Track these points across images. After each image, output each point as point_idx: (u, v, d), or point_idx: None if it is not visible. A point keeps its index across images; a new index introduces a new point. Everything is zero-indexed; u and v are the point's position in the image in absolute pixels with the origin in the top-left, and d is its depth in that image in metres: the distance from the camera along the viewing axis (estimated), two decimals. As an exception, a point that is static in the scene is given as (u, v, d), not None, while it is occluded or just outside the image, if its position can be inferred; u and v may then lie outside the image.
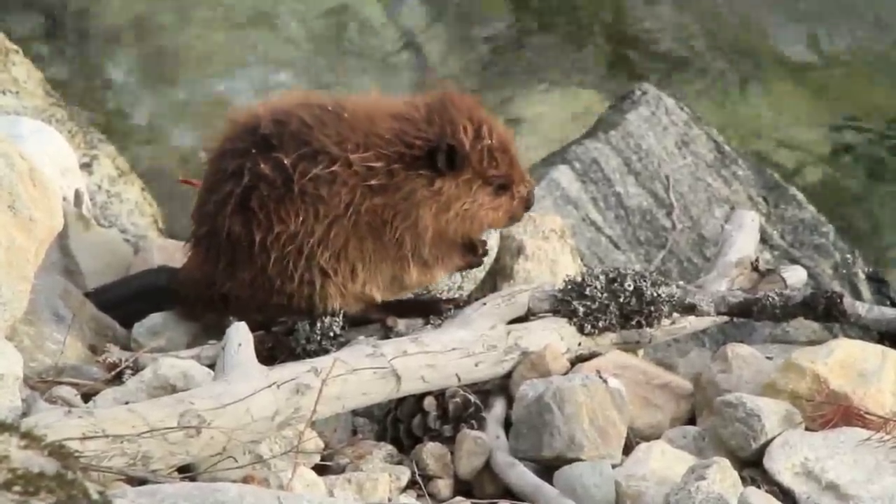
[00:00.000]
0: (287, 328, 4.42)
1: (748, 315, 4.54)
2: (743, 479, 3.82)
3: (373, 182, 4.32)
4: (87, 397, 3.98)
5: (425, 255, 4.42)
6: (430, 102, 4.42)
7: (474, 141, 4.37)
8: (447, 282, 4.63)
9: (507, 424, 4.14)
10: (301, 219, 4.31)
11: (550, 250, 4.69)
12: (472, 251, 4.58)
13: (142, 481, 3.35)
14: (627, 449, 4.01)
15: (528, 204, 4.51)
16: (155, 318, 4.55)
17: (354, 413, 4.23)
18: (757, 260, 4.84)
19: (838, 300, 4.42)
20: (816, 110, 8.50)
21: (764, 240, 5.81)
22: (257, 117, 4.41)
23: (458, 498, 3.95)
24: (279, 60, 8.50)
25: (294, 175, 4.30)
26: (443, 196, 4.37)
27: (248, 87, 8.27)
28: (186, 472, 3.59)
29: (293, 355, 4.32)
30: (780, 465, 3.87)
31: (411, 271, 4.43)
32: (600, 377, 4.04)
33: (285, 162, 4.30)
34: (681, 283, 4.68)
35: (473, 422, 4.12)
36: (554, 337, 4.38)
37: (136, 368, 4.12)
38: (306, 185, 4.30)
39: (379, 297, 4.46)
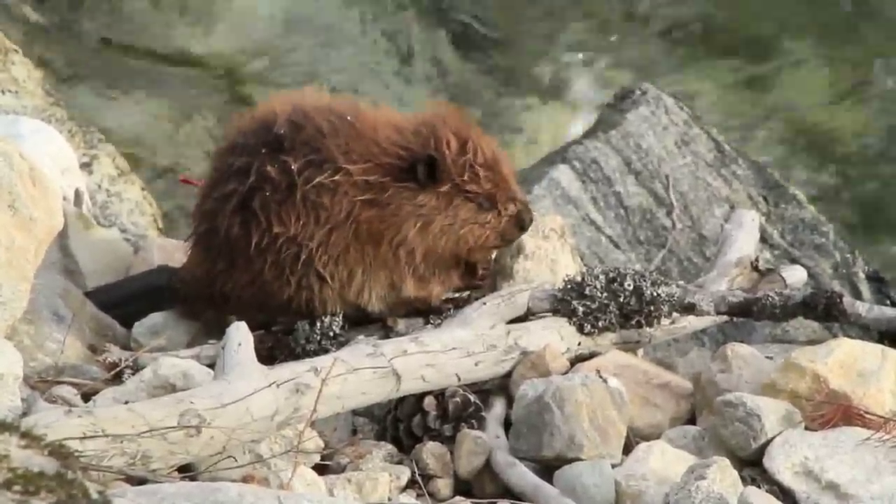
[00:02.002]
0: (287, 328, 4.43)
1: (748, 315, 4.53)
2: (743, 478, 3.82)
3: (368, 196, 4.33)
4: (86, 397, 3.99)
5: (421, 271, 4.44)
6: (424, 116, 4.44)
7: (457, 155, 4.37)
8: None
9: (507, 424, 4.14)
10: (301, 223, 4.31)
11: (550, 250, 4.69)
12: (471, 273, 4.59)
13: (141, 481, 3.35)
14: (627, 448, 4.01)
15: (520, 224, 4.48)
16: (155, 318, 4.55)
17: (354, 412, 4.23)
18: (757, 259, 4.84)
19: (838, 300, 4.42)
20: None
21: (764, 239, 5.81)
22: (274, 114, 4.40)
23: (458, 497, 3.95)
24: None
25: (298, 180, 4.30)
26: (425, 209, 4.37)
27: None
28: (186, 471, 3.58)
29: (293, 355, 4.32)
30: (780, 464, 3.87)
31: (408, 283, 4.44)
32: (600, 377, 4.04)
33: (292, 167, 4.30)
34: (681, 282, 4.68)
35: (473, 421, 4.12)
36: (554, 336, 4.38)
37: (136, 368, 4.12)
38: (309, 192, 4.30)
39: (376, 307, 4.45)
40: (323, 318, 4.39)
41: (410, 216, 4.37)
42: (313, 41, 8.67)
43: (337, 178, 4.31)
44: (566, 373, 4.24)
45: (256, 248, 4.34)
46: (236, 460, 3.66)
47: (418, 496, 3.94)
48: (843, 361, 4.12)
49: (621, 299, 4.43)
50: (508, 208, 4.46)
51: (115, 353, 4.25)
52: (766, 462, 3.89)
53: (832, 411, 4.00)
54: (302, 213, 4.31)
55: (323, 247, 4.34)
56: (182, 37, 8.51)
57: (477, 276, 4.62)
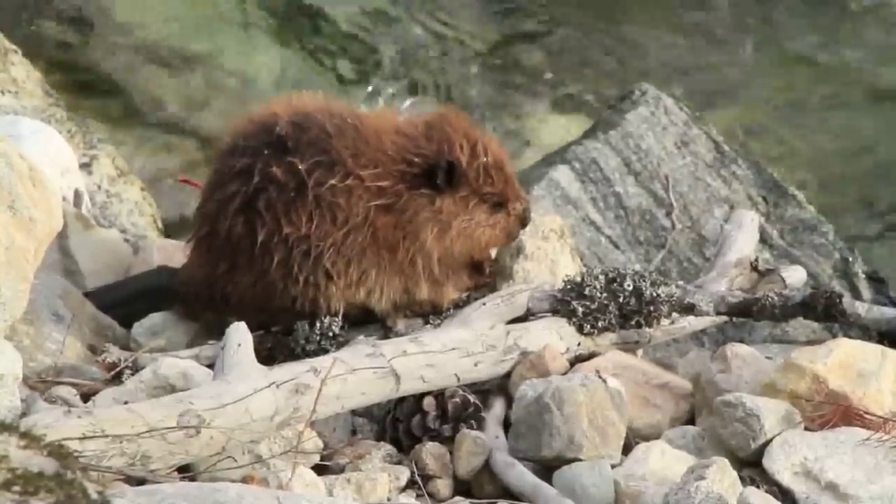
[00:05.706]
0: (286, 328, 4.43)
1: (748, 315, 4.54)
2: (742, 479, 3.82)
3: (382, 202, 4.34)
4: (86, 397, 3.99)
5: (436, 275, 4.45)
6: (429, 120, 4.45)
7: (470, 158, 4.40)
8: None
9: (507, 424, 4.14)
10: (315, 223, 4.31)
11: (550, 250, 4.69)
12: (479, 271, 4.61)
13: (141, 481, 3.35)
14: (627, 449, 4.01)
15: (523, 221, 4.54)
16: (154, 318, 4.55)
17: (354, 413, 4.23)
18: (756, 260, 4.84)
19: (838, 300, 4.42)
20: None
21: (763, 239, 5.81)
22: (275, 116, 4.40)
23: (458, 498, 3.95)
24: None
25: (308, 181, 4.30)
26: (443, 214, 4.39)
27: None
28: (186, 471, 3.59)
29: (292, 355, 4.32)
30: (780, 464, 3.88)
31: (423, 287, 4.45)
32: (599, 377, 4.04)
33: (300, 167, 4.30)
34: (680, 283, 4.68)
35: (473, 422, 4.13)
36: (553, 337, 4.38)
37: (136, 368, 4.12)
38: (323, 193, 4.30)
39: (384, 308, 4.45)
40: (322, 318, 4.39)
41: (427, 222, 4.38)
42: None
43: (349, 181, 4.32)
44: (566, 373, 4.25)
45: (262, 248, 4.33)
46: (236, 461, 3.66)
47: (417, 496, 3.94)
48: (843, 362, 4.12)
49: (621, 300, 4.43)
50: (516, 207, 4.50)
51: (114, 354, 4.26)
52: (766, 462, 3.89)
53: (832, 412, 4.00)
54: (315, 213, 4.31)
55: (335, 247, 4.34)
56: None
57: (485, 273, 4.63)
